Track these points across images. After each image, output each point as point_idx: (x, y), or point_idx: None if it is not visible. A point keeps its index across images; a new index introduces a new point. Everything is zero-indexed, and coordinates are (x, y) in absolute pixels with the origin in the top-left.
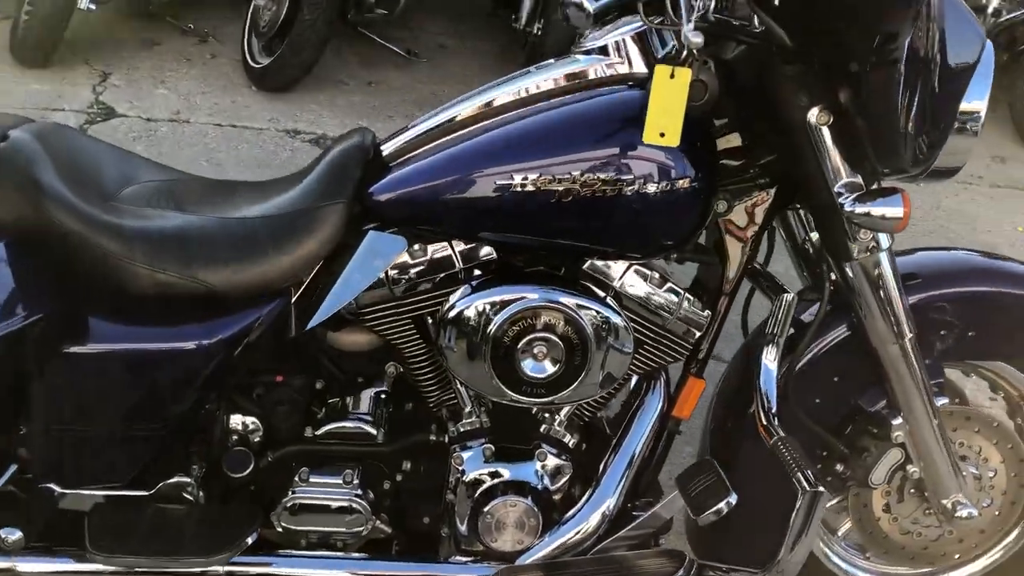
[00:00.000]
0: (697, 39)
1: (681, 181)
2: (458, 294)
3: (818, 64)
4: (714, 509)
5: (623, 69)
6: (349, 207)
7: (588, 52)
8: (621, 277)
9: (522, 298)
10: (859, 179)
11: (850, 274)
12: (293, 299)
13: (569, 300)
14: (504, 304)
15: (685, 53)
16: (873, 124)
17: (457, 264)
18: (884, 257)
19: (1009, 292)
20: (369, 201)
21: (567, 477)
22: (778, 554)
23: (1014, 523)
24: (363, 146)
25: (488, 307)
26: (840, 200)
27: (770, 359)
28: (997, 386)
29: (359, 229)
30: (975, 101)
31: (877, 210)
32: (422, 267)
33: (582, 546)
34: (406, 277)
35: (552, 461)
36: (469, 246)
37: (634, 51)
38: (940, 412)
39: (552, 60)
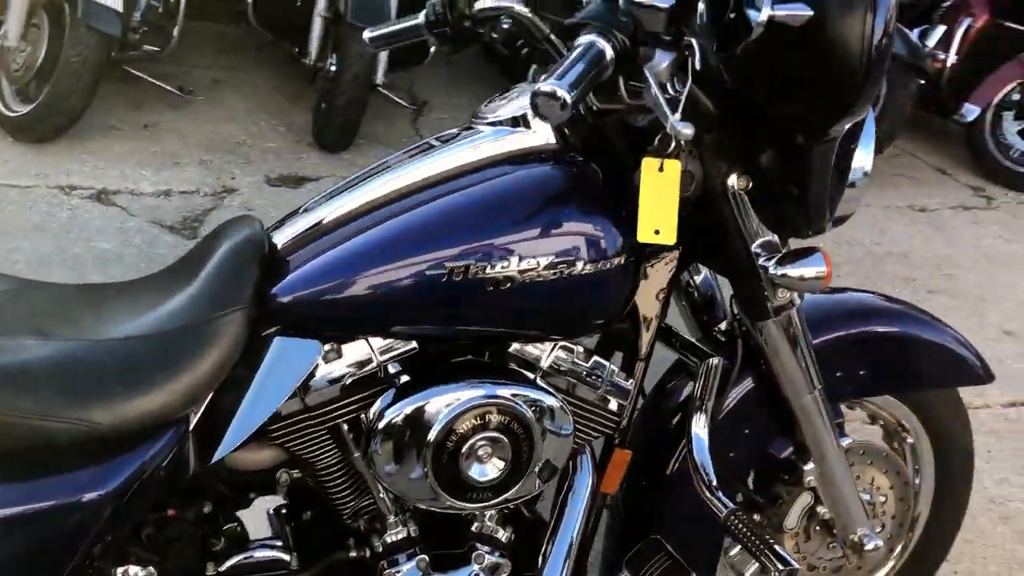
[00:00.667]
0: (688, 131)
1: (617, 257)
2: (386, 400)
3: (743, 133)
4: None
5: (534, 141)
6: (249, 313)
7: (494, 124)
8: (549, 356)
9: (461, 399)
10: (776, 240)
11: (767, 332)
12: (191, 427)
13: (507, 392)
14: (442, 407)
15: (673, 145)
16: (804, 190)
17: (375, 360)
18: (795, 312)
19: (890, 330)
20: (272, 304)
21: (507, 575)
22: None
23: (900, 539)
24: (256, 239)
25: (424, 412)
26: (761, 263)
27: (701, 428)
28: (876, 416)
29: (261, 336)
30: (866, 155)
31: (801, 271)
32: (338, 371)
33: None
34: (321, 384)
35: (490, 561)
36: (387, 341)
37: (543, 123)
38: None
39: (455, 131)
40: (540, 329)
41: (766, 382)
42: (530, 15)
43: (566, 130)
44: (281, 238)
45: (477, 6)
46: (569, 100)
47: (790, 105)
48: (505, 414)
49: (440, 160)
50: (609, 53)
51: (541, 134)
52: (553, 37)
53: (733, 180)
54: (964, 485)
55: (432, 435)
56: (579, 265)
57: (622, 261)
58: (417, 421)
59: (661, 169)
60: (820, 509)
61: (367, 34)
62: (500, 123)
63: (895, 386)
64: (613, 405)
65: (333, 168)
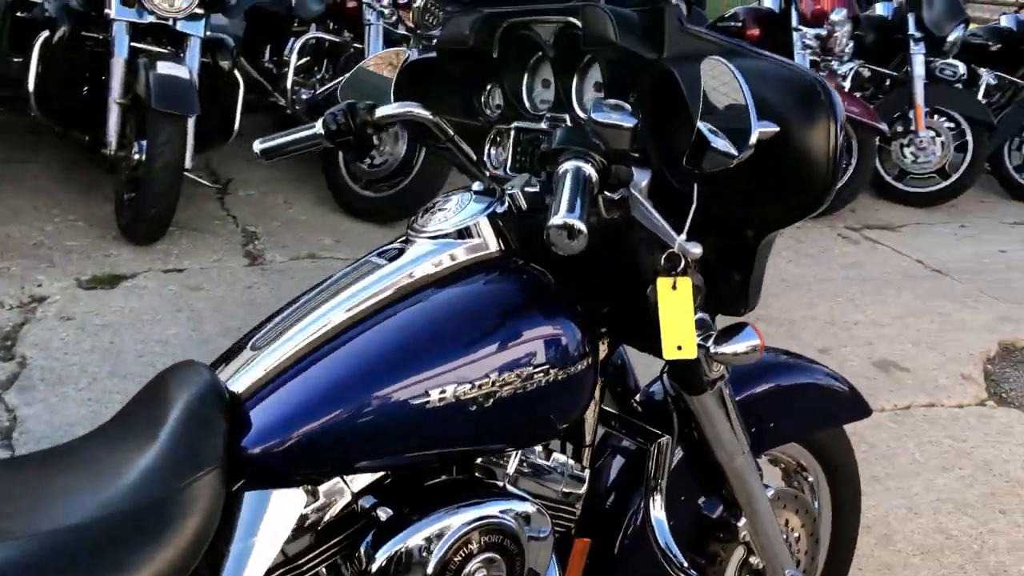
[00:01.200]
0: (696, 250)
1: (583, 359)
2: (372, 540)
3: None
4: None
5: (480, 251)
6: (222, 472)
7: (435, 237)
8: (513, 461)
9: (451, 527)
10: (707, 318)
11: (703, 403)
12: None
13: (493, 509)
14: (434, 540)
15: (683, 264)
16: (747, 275)
17: (348, 496)
18: (724, 383)
19: (789, 382)
20: (242, 456)
21: None
22: None
23: (812, 572)
24: (215, 389)
25: (417, 549)
26: (699, 342)
27: (659, 511)
28: (778, 460)
29: (232, 491)
30: None
31: (737, 347)
32: (314, 515)
33: None
34: (299, 531)
35: None
36: (359, 475)
37: (487, 230)
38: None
39: (396, 247)
40: (515, 439)
41: (695, 450)
42: (432, 118)
43: (506, 235)
44: (239, 384)
45: (379, 113)
46: (584, 229)
47: (761, 208)
48: (495, 532)
49: (389, 280)
50: (594, 176)
51: (486, 242)
52: (456, 138)
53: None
54: (855, 506)
55: (430, 569)
56: (552, 372)
57: (588, 360)
58: (411, 559)
59: (674, 287)
60: (752, 559)
61: (258, 147)
62: (446, 235)
63: (800, 432)
64: (571, 496)
65: (150, 262)
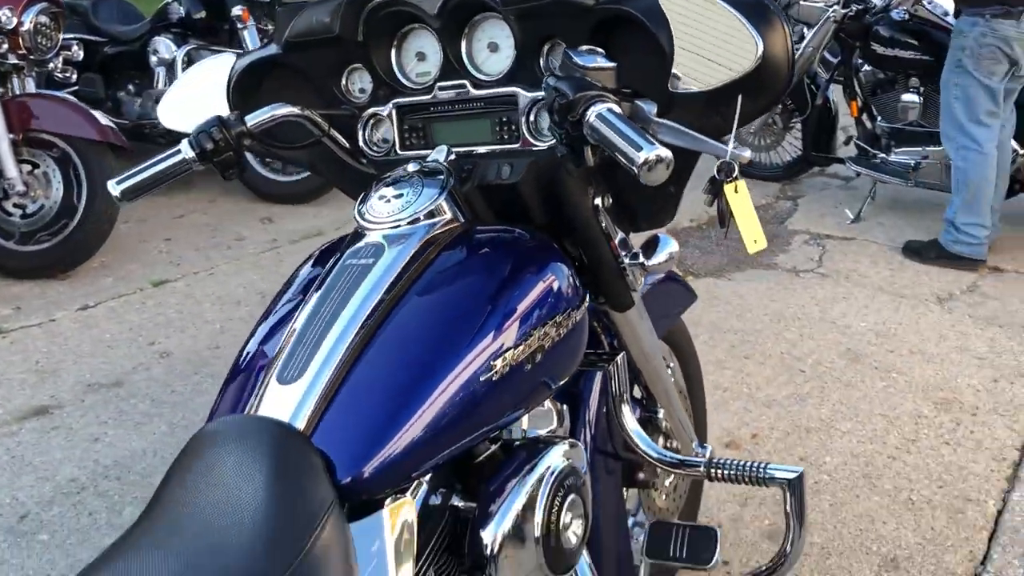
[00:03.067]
0: (747, 153)
1: (583, 297)
2: (472, 529)
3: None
4: None
5: (451, 224)
6: (339, 510)
7: (413, 222)
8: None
9: (537, 489)
10: (626, 238)
11: (629, 318)
12: None
13: (555, 457)
14: (528, 507)
15: (737, 170)
16: (679, 188)
17: (425, 492)
18: (640, 298)
19: (646, 289)
20: (342, 489)
21: None
22: None
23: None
24: (287, 429)
25: (516, 522)
26: (628, 261)
27: (632, 420)
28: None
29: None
30: None
31: (664, 255)
32: (423, 518)
33: None
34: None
35: None
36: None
37: (449, 207)
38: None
39: (364, 244)
40: (554, 385)
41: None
42: (305, 113)
43: (463, 206)
44: (300, 421)
45: (251, 121)
46: (668, 155)
47: (734, 110)
48: (567, 476)
49: (388, 279)
50: (620, 111)
51: (456, 216)
52: (332, 131)
53: (599, 200)
54: (700, 377)
55: (538, 534)
56: (572, 313)
57: (587, 300)
58: (518, 532)
59: (736, 191)
60: (672, 443)
61: (115, 189)
62: (415, 220)
63: (663, 329)
64: (560, 431)
65: None
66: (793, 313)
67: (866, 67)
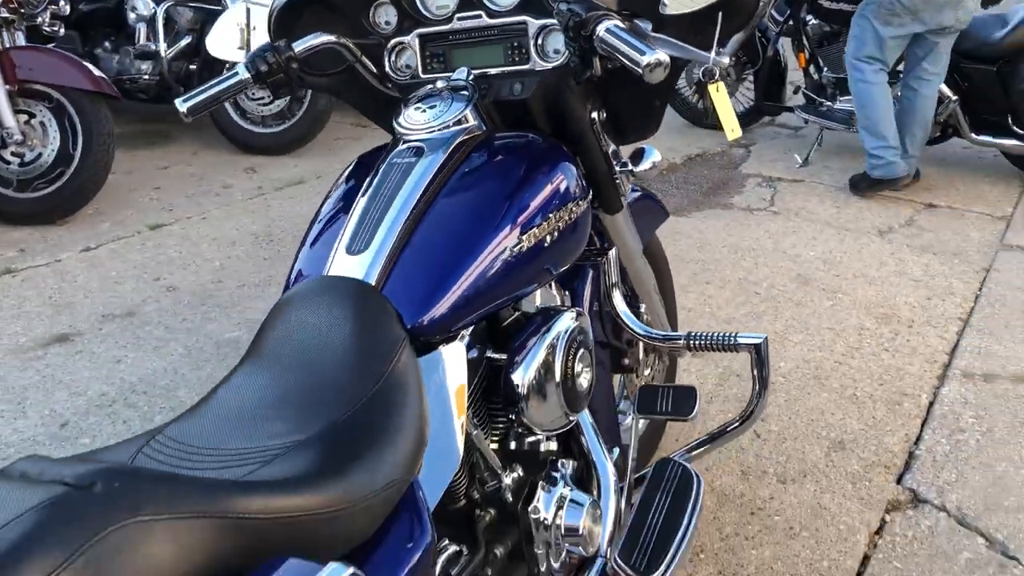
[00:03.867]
0: (725, 59)
1: (586, 190)
2: (507, 373)
3: (601, 80)
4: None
5: (475, 131)
6: (409, 347)
7: (445, 128)
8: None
9: (555, 341)
10: (617, 149)
11: (618, 220)
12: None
13: (568, 319)
14: (549, 357)
15: (718, 73)
16: (665, 101)
17: (467, 339)
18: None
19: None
20: (408, 332)
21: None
22: None
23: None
24: (362, 283)
25: (546, 362)
26: (620, 169)
27: (621, 302)
28: None
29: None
30: None
31: (649, 163)
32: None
33: None
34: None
35: (570, 465)
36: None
37: (474, 116)
38: None
39: (406, 147)
40: (566, 263)
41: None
42: (341, 40)
43: (485, 117)
44: (371, 281)
45: (298, 47)
46: (666, 59)
47: (713, 28)
48: (578, 334)
49: (432, 170)
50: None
51: (480, 124)
52: (363, 58)
53: (595, 114)
54: (671, 287)
55: (558, 378)
56: (579, 203)
57: (590, 194)
58: (545, 374)
59: (718, 91)
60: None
61: (182, 106)
62: (446, 127)
63: (644, 238)
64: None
65: None
66: (748, 245)
67: (813, 21)
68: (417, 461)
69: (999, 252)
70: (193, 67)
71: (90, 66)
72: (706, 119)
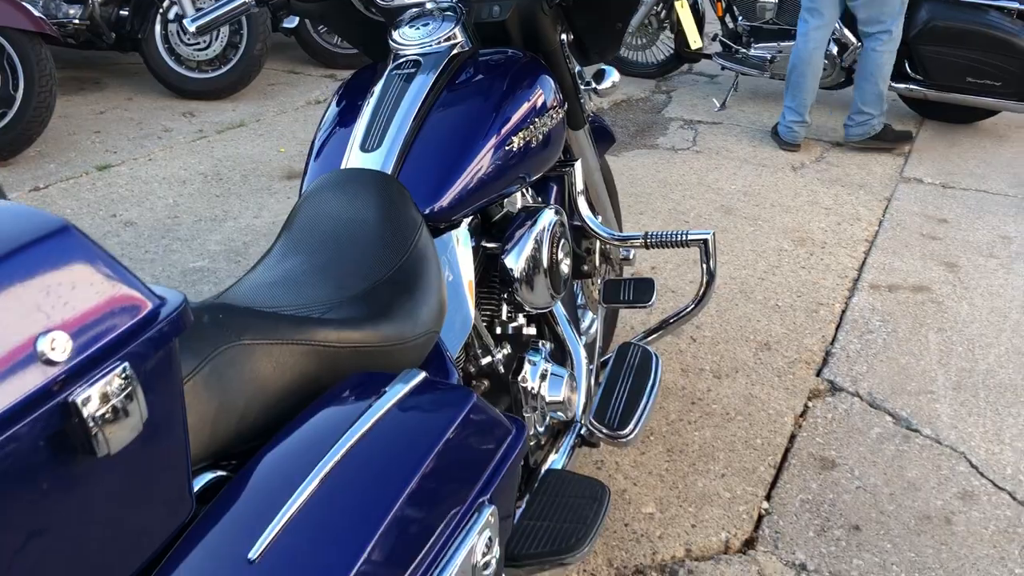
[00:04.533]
0: None
1: (561, 101)
2: (506, 256)
3: (568, 5)
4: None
5: (465, 47)
6: (427, 227)
7: (438, 43)
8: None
9: (542, 229)
10: (581, 70)
11: (580, 136)
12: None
13: (550, 213)
14: (538, 242)
15: None
16: (626, 24)
17: (466, 226)
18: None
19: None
20: (428, 217)
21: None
22: None
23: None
24: (382, 173)
25: (533, 250)
26: (584, 87)
27: (586, 208)
28: None
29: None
30: None
31: (610, 81)
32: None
33: None
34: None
35: (546, 346)
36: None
37: (462, 34)
38: None
39: (405, 59)
40: (547, 164)
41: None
42: None
43: (472, 35)
44: (388, 167)
45: None
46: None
47: None
48: (560, 225)
49: (431, 78)
50: None
51: (466, 42)
52: None
53: (564, 36)
54: (618, 206)
55: (545, 260)
56: (559, 110)
57: (565, 104)
58: (536, 255)
59: (682, 6)
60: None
61: (192, 24)
62: (439, 42)
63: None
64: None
65: None
66: (676, 180)
67: None
68: (442, 318)
69: (899, 184)
70: (124, 12)
71: (28, 6)
72: (674, 31)
